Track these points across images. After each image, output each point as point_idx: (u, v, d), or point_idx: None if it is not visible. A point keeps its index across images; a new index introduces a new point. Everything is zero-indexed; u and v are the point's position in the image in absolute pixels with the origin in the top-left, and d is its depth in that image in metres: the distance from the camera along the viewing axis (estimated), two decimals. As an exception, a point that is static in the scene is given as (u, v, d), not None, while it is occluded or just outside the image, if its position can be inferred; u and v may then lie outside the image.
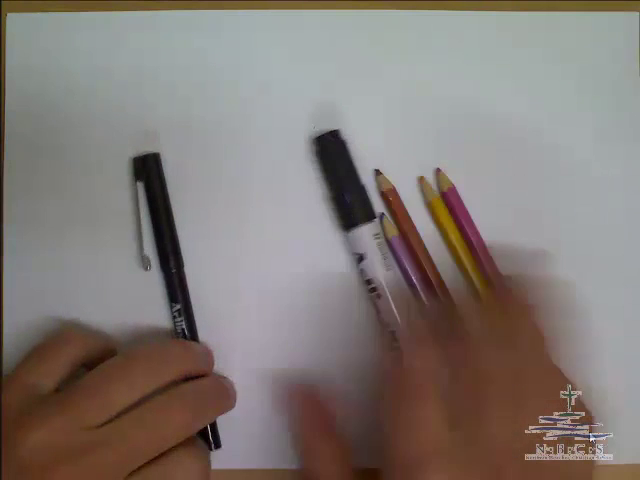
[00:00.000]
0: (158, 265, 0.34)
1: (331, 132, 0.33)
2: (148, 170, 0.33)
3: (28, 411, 0.27)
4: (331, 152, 0.33)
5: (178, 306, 0.33)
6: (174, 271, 0.33)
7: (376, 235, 0.32)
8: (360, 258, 0.32)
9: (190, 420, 0.29)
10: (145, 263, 0.33)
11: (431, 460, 0.25)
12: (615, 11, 0.35)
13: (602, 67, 0.35)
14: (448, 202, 0.33)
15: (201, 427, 0.31)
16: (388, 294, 0.32)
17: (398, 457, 0.26)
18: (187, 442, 0.29)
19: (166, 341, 0.33)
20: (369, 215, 0.33)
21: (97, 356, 0.32)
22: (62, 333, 0.31)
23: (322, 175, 0.34)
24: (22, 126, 0.34)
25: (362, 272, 0.33)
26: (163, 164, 0.34)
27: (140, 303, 0.34)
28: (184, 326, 0.33)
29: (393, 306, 0.32)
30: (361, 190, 0.33)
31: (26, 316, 0.33)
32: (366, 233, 0.32)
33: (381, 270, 0.32)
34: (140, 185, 0.33)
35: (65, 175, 0.34)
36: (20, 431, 0.27)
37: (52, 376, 0.29)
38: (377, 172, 0.34)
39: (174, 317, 0.33)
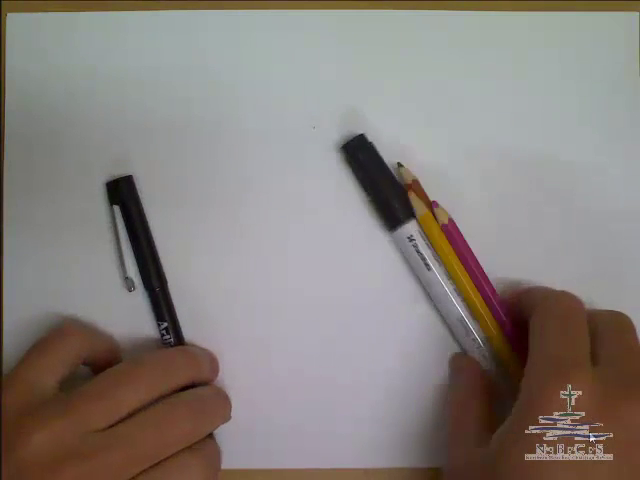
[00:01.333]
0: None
1: (357, 137, 0.33)
2: (122, 194, 0.33)
3: (29, 412, 0.27)
4: (361, 157, 0.33)
5: (165, 324, 0.33)
6: (158, 289, 0.33)
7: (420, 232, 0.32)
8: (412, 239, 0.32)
9: (195, 425, 0.29)
10: (129, 284, 0.33)
11: (581, 366, 0.27)
12: (615, 11, 0.35)
13: (602, 67, 0.35)
14: (449, 235, 0.32)
15: (206, 433, 0.31)
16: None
17: (553, 356, 0.27)
18: (194, 447, 0.29)
19: (172, 349, 0.33)
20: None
21: (100, 356, 0.32)
22: (62, 327, 0.31)
23: (357, 180, 0.34)
24: (22, 126, 0.34)
25: (418, 251, 0.32)
26: (163, 164, 0.34)
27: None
28: (172, 343, 0.33)
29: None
30: (400, 188, 0.33)
31: (26, 316, 0.33)
32: (413, 229, 0.32)
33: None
34: (117, 208, 0.33)
35: (65, 175, 0.34)
36: (22, 432, 0.26)
37: (53, 372, 0.29)
38: (399, 165, 0.33)
39: (162, 335, 0.33)
